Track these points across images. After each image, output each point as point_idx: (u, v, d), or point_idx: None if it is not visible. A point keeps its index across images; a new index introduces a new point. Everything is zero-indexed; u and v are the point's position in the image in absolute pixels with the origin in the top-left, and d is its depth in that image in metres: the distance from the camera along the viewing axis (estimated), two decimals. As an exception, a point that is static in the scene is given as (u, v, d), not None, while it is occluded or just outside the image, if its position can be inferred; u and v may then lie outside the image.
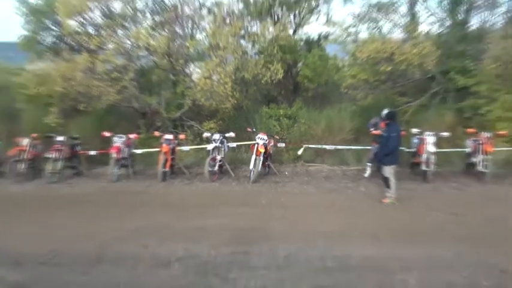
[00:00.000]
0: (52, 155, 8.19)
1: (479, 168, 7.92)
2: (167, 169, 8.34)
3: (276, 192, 7.43)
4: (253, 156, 8.07)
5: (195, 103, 9.95)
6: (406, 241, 4.56)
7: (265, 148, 8.28)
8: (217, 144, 8.46)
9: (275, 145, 9.24)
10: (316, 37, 12.19)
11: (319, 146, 9.44)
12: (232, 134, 8.83)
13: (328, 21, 11.84)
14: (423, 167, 7.92)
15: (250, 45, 10.88)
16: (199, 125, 10.14)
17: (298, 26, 12.01)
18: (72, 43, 10.29)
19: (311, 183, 8.13)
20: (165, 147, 8.19)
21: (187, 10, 10.35)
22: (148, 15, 10.57)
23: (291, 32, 11.57)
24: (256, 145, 8.17)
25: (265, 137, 8.33)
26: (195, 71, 10.52)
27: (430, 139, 7.91)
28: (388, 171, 6.46)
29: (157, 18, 10.56)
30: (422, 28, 10.90)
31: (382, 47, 9.63)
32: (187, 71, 10.58)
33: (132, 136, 8.90)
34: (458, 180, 8.09)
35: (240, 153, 9.53)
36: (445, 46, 10.28)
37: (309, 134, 9.85)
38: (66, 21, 9.84)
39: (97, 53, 9.75)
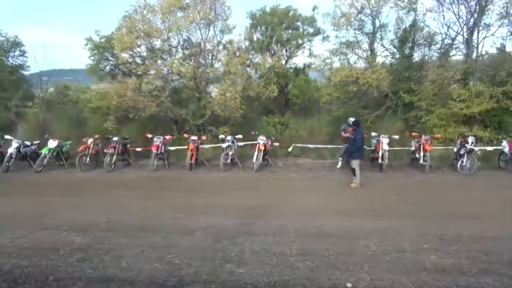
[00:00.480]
0: (109, 150, 8.15)
1: (421, 162, 7.88)
2: (193, 161, 8.26)
3: (273, 179, 7.37)
4: (256, 153, 8.04)
5: (213, 113, 9.89)
6: (367, 215, 4.49)
7: (265, 146, 8.22)
8: (230, 143, 8.41)
9: (272, 144, 9.12)
10: (302, 66, 12.14)
11: (304, 145, 9.37)
12: (240, 136, 8.79)
13: (311, 55, 11.95)
14: (380, 161, 7.86)
15: (253, 72, 10.85)
16: (216, 129, 10.07)
17: (289, 57, 12.00)
18: (125, 69, 10.28)
19: (298, 172, 8.06)
20: (191, 146, 8.13)
21: (208, 46, 10.33)
22: (179, 49, 10.58)
23: (283, 62, 11.55)
24: (258, 144, 8.12)
25: (265, 138, 8.26)
26: (214, 90, 10.49)
27: (384, 140, 7.85)
28: (355, 163, 6.41)
29: (186, 52, 10.57)
30: (379, 59, 10.98)
31: (350, 73, 9.74)
32: (208, 90, 10.55)
33: (167, 137, 8.83)
34: (405, 170, 8.04)
35: (246, 150, 9.41)
36: (396, 72, 10.41)
37: (297, 136, 9.79)
38: (121, 54, 9.89)
39: (142, 77, 9.83)
